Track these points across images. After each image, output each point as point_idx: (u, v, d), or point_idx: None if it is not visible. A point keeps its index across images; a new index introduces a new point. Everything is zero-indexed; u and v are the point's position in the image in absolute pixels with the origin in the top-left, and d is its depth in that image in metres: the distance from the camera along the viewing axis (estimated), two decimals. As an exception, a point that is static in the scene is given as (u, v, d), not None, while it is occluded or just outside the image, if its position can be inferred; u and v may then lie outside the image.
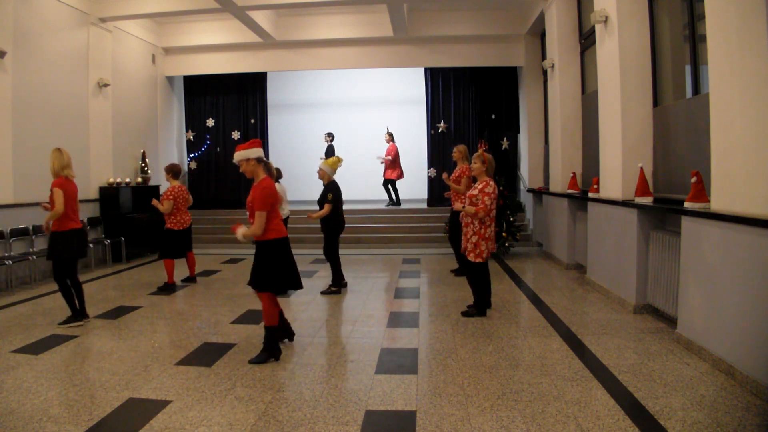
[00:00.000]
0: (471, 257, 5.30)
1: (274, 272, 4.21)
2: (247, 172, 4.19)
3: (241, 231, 4.15)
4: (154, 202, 6.92)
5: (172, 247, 6.95)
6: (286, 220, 8.49)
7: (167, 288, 6.89)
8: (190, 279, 7.38)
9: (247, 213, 4.26)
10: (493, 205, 5.21)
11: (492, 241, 5.29)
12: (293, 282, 4.36)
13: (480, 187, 5.24)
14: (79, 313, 5.37)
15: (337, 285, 6.69)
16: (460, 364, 4.14)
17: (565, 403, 3.42)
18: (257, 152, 4.14)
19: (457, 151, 7.19)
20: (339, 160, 6.59)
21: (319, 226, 6.76)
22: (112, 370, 4.10)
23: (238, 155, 4.16)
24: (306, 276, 7.47)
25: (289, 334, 4.70)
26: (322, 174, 6.54)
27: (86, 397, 3.61)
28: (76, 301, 5.40)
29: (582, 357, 4.26)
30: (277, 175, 8.44)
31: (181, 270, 7.58)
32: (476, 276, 5.38)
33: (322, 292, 6.64)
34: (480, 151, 5.32)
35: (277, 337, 4.39)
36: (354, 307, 6.07)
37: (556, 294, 6.45)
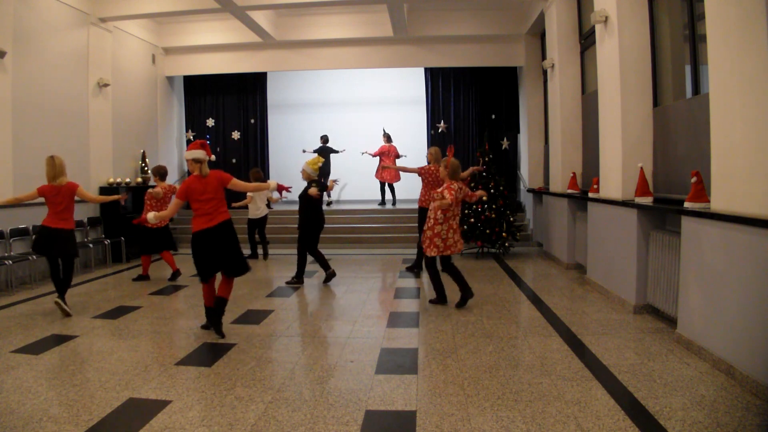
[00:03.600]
0: (426, 251, 5.84)
1: (197, 261, 4.90)
2: (190, 168, 4.97)
3: (152, 213, 5.01)
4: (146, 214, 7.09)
5: (148, 242, 7.43)
6: (264, 218, 9.18)
7: (141, 279, 7.48)
8: (175, 274, 7.57)
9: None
10: (457, 205, 5.76)
11: (442, 239, 5.70)
12: (219, 267, 4.88)
13: (444, 185, 5.79)
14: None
15: (300, 277, 7.20)
16: (460, 364, 4.15)
17: (565, 403, 3.42)
18: (193, 154, 4.89)
19: (429, 153, 7.61)
20: (319, 160, 7.16)
21: (297, 225, 7.18)
22: (112, 370, 4.10)
23: (186, 154, 4.98)
24: (306, 276, 7.50)
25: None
26: (303, 174, 7.11)
27: (86, 397, 3.61)
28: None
29: (582, 357, 4.27)
30: (261, 177, 8.84)
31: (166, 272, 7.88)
32: (427, 268, 6.00)
33: (287, 282, 7.20)
34: (449, 156, 5.90)
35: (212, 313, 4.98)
36: (354, 307, 6.07)
37: (556, 294, 6.45)
